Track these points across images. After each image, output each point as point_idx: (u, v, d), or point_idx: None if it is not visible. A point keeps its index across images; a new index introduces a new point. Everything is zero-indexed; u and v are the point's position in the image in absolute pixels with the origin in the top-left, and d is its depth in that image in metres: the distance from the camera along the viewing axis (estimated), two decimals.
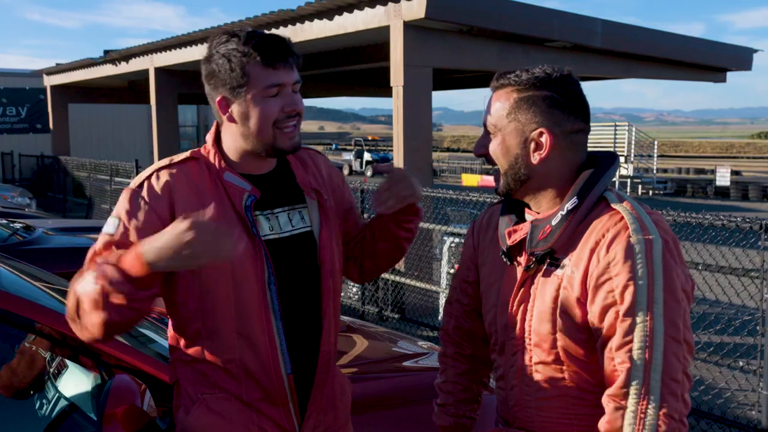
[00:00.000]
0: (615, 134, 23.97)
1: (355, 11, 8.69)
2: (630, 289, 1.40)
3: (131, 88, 18.39)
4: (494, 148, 1.59)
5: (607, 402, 1.42)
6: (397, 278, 7.06)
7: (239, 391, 1.72)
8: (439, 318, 6.78)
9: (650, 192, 23.80)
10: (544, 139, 1.54)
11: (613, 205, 1.50)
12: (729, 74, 13.33)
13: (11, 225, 6.21)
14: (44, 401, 2.26)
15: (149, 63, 14.02)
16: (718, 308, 4.68)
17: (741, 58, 12.98)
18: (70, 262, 5.52)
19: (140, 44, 13.89)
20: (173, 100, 14.52)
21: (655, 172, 25.73)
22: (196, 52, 12.36)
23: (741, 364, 4.35)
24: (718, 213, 4.47)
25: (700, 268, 4.55)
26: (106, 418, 1.72)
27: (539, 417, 1.59)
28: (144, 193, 1.68)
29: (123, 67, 15.07)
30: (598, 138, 24.93)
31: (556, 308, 1.52)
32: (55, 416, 2.17)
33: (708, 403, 4.55)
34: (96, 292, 1.46)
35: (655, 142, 25.97)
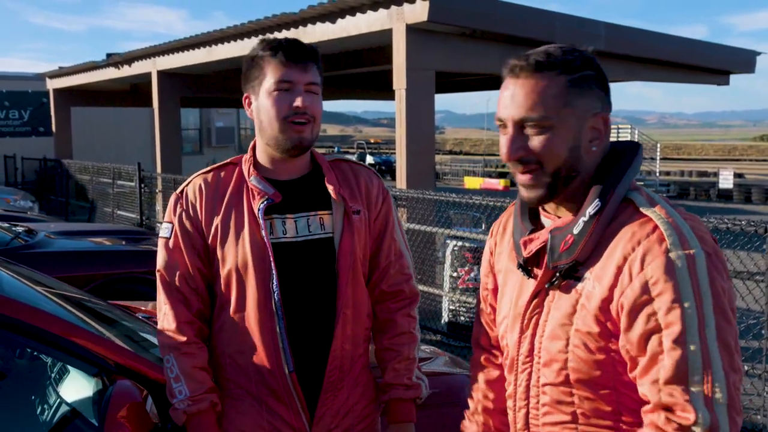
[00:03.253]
0: (617, 137, 23.95)
1: (358, 14, 8.69)
2: (676, 313, 1.21)
3: (134, 92, 18.42)
4: (545, 144, 1.32)
5: None
6: None
7: (249, 385, 1.81)
8: (442, 321, 6.77)
9: None
10: (602, 124, 1.35)
11: (643, 210, 1.30)
12: (732, 77, 13.32)
13: (13, 228, 6.21)
14: (46, 407, 2.24)
15: (152, 66, 14.03)
16: None
17: (744, 60, 12.97)
18: (72, 266, 5.57)
19: (143, 47, 13.91)
20: (176, 104, 14.53)
21: (657, 174, 25.70)
22: (198, 56, 12.38)
23: (746, 368, 4.32)
24: (722, 216, 4.45)
25: None
26: (110, 423, 1.71)
27: None
28: (182, 198, 1.86)
29: (125, 71, 15.09)
30: None
31: (570, 326, 1.34)
32: (57, 422, 2.16)
33: None
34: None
35: (658, 145, 25.95)
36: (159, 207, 11.74)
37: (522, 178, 1.37)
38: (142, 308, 3.27)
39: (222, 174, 1.88)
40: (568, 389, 1.37)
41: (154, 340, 2.57)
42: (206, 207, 1.83)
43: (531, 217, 1.49)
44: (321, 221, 1.84)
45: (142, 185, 11.74)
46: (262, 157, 1.87)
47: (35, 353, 2.32)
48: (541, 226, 1.46)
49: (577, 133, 1.34)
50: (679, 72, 12.34)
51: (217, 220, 1.81)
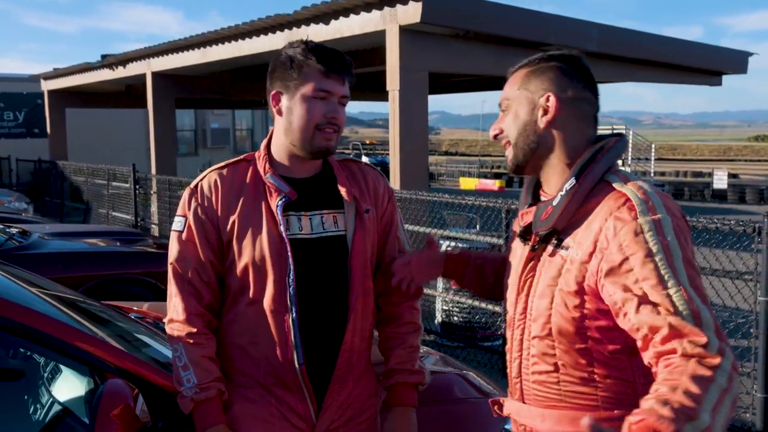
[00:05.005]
0: None
1: (352, 15, 8.72)
2: (650, 266, 1.38)
3: (128, 93, 18.39)
4: (506, 122, 1.65)
5: (663, 357, 1.34)
6: None
7: (259, 376, 1.85)
8: (436, 322, 6.79)
9: None
10: (551, 102, 1.59)
11: (616, 186, 1.51)
12: (725, 77, 13.38)
13: (7, 230, 6.21)
14: (38, 405, 2.26)
15: (146, 68, 14.03)
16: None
17: (736, 61, 13.03)
18: (66, 267, 5.57)
19: (137, 49, 13.90)
20: (170, 105, 14.53)
21: (652, 175, 25.77)
22: (193, 57, 12.38)
23: None
24: (712, 216, 4.49)
25: None
26: (101, 421, 1.73)
27: (534, 391, 1.61)
28: (197, 192, 1.89)
29: (120, 72, 15.08)
30: None
31: (555, 286, 1.54)
32: (49, 420, 2.18)
33: None
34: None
35: (653, 146, 26.03)
36: (154, 208, 11.75)
37: (505, 152, 1.68)
38: (135, 308, 3.29)
39: (237, 170, 1.91)
40: (551, 342, 1.57)
41: (146, 340, 2.59)
42: (222, 201, 1.86)
43: (534, 194, 1.71)
44: (334, 219, 1.90)
45: (137, 186, 11.74)
46: (280, 155, 1.91)
47: (28, 353, 2.34)
48: (539, 201, 1.68)
49: (530, 110, 1.61)
50: (671, 73, 12.39)
51: (233, 215, 1.84)
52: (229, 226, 1.85)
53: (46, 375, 2.33)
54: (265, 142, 1.95)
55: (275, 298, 1.82)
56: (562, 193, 1.55)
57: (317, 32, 9.30)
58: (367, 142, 50.96)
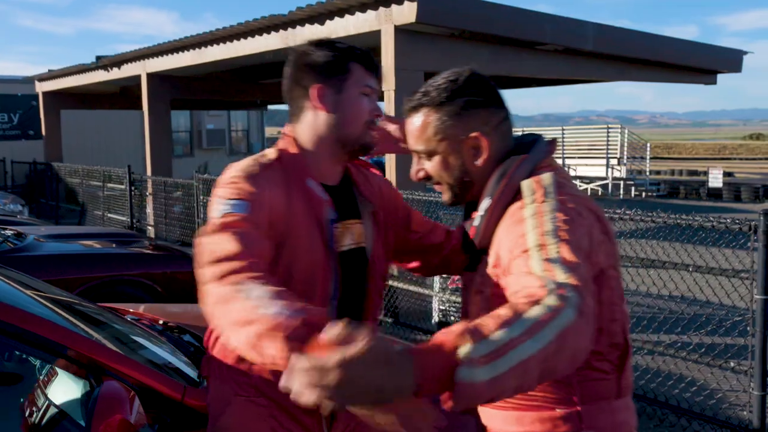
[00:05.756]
0: (608, 137, 24.05)
1: (347, 16, 8.71)
2: (526, 237, 1.37)
3: (123, 94, 18.36)
4: (435, 169, 1.62)
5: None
6: (391, 282, 7.07)
7: (274, 393, 1.72)
8: (433, 321, 6.79)
9: (643, 194, 23.85)
10: (482, 143, 1.57)
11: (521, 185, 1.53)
12: (721, 76, 13.40)
13: (2, 232, 6.20)
14: (34, 408, 2.25)
15: (141, 69, 14.01)
16: (709, 309, 4.70)
17: (731, 60, 13.06)
18: (60, 270, 5.56)
19: (132, 50, 13.88)
20: (166, 106, 14.50)
21: (648, 173, 25.78)
22: (188, 58, 12.36)
23: (732, 364, 4.36)
24: (708, 214, 4.49)
25: (690, 269, 4.56)
26: (97, 423, 1.72)
27: None
28: (254, 180, 1.66)
29: (115, 73, 15.06)
30: (591, 141, 25.01)
31: (482, 293, 1.55)
32: (45, 423, 2.17)
33: (700, 404, 4.57)
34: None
35: (648, 144, 26.05)
36: (149, 209, 11.73)
37: (436, 188, 1.67)
38: (131, 310, 3.28)
39: (275, 166, 1.75)
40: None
41: (142, 341, 2.59)
42: (275, 196, 1.68)
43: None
44: (358, 230, 1.86)
45: (133, 188, 11.72)
46: (316, 158, 1.80)
47: (24, 355, 2.33)
48: None
49: (459, 154, 1.58)
50: (666, 72, 12.41)
51: (285, 216, 1.69)
52: (282, 227, 1.68)
53: (42, 377, 2.32)
54: (293, 143, 1.81)
55: None
56: (481, 213, 1.56)
57: (312, 32, 9.29)
58: None
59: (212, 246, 1.51)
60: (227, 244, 1.51)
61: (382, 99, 8.46)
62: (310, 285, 1.71)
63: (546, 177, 1.51)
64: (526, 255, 1.34)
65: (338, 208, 1.81)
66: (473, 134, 1.57)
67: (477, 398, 1.10)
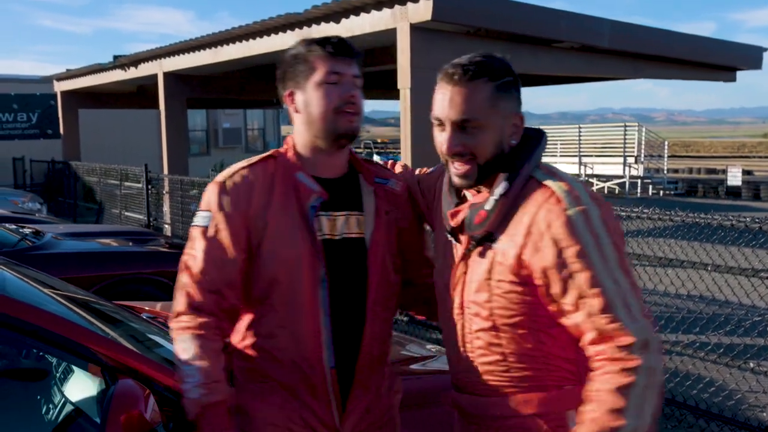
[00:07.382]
0: (625, 135, 23.85)
1: (362, 14, 8.71)
2: (584, 260, 1.49)
3: (140, 93, 18.47)
4: (479, 140, 1.60)
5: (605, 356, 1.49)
6: None
7: (284, 379, 1.82)
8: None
9: (661, 192, 23.67)
10: (519, 122, 1.64)
11: (543, 182, 1.58)
12: (739, 73, 13.27)
13: (20, 230, 6.25)
14: (50, 405, 2.27)
15: (158, 68, 14.08)
16: (728, 309, 4.65)
17: (751, 56, 12.92)
18: (77, 267, 5.59)
19: (149, 49, 13.95)
20: (182, 105, 14.57)
21: (665, 172, 25.55)
22: (204, 57, 12.41)
23: (752, 365, 4.31)
24: (727, 213, 4.44)
25: (709, 268, 4.52)
26: (112, 421, 1.73)
27: (483, 381, 1.68)
28: (226, 188, 1.83)
29: (132, 73, 15.15)
30: (608, 139, 24.80)
31: (490, 279, 1.61)
32: (61, 420, 2.18)
33: (719, 405, 4.52)
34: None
35: (666, 142, 25.82)
36: (166, 208, 11.78)
37: (458, 169, 1.64)
38: (147, 309, 3.29)
39: (266, 167, 1.87)
40: (496, 333, 1.63)
41: (158, 340, 2.59)
42: (253, 199, 1.81)
43: (457, 190, 1.73)
44: (357, 221, 1.88)
45: (149, 186, 11.78)
46: (307, 153, 1.88)
47: (40, 353, 2.35)
48: (465, 199, 1.72)
49: (501, 130, 1.61)
50: (685, 69, 12.30)
51: (266, 214, 1.81)
52: (261, 225, 1.80)
53: (58, 375, 2.34)
54: (291, 140, 1.91)
55: (308, 299, 1.79)
56: (495, 197, 1.59)
57: (328, 31, 9.29)
58: (379, 141, 50.92)
59: (186, 252, 1.84)
60: (191, 259, 1.81)
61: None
62: (295, 269, 1.79)
63: (567, 177, 1.59)
64: (592, 281, 1.48)
65: (336, 199, 1.85)
66: (517, 113, 1.63)
67: None
